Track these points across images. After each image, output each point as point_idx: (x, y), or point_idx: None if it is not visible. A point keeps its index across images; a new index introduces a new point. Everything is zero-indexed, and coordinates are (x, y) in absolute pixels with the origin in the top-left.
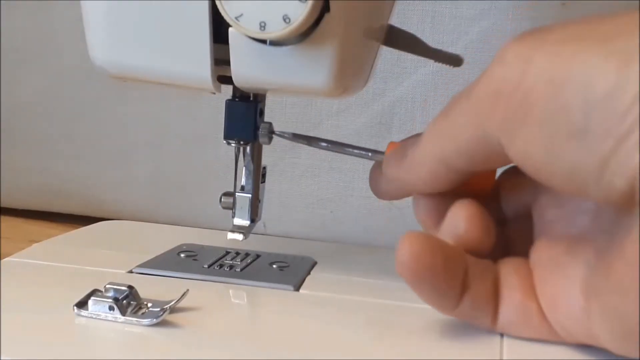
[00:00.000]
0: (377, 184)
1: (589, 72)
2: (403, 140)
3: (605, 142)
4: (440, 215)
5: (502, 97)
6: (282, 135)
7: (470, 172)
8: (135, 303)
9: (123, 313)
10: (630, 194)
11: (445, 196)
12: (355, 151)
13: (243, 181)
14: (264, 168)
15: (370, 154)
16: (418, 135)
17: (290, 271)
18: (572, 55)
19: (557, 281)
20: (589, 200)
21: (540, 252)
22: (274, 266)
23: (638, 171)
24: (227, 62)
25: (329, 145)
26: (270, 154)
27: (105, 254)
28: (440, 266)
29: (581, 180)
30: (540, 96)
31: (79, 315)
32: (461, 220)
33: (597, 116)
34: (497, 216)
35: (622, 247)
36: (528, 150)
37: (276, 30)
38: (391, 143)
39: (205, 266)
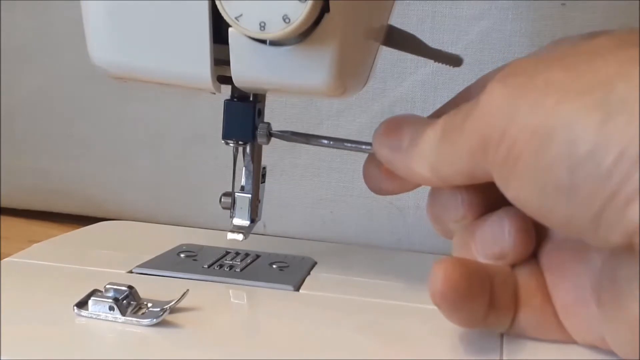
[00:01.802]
0: (372, 180)
1: (571, 128)
2: (398, 121)
3: (594, 201)
4: (483, 209)
5: (490, 146)
6: (280, 136)
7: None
8: (135, 303)
9: (123, 313)
10: (628, 244)
11: (488, 189)
12: (354, 146)
13: (243, 181)
14: (264, 168)
15: (368, 148)
16: (414, 121)
17: (290, 271)
18: (555, 108)
19: (568, 288)
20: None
21: (548, 256)
22: (274, 266)
23: (632, 226)
24: (227, 62)
25: (328, 142)
26: (270, 154)
27: (105, 254)
28: (475, 291)
29: (578, 231)
30: (524, 150)
31: (79, 315)
32: (510, 234)
33: (582, 175)
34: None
35: (630, 285)
36: (521, 198)
37: (276, 30)
38: (379, 132)
39: (205, 266)
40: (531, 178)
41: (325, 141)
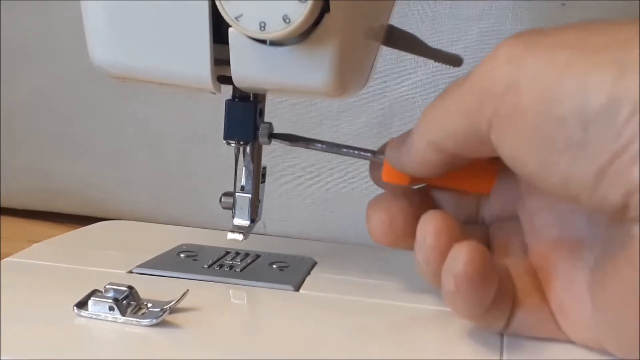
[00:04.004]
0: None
1: (584, 83)
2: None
3: (601, 155)
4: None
5: (492, 97)
6: (281, 137)
7: (462, 157)
8: (135, 303)
9: (123, 313)
10: (623, 207)
11: (408, 208)
12: (356, 152)
13: (243, 181)
14: (264, 168)
15: (369, 155)
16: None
17: (290, 271)
18: (566, 64)
19: (563, 288)
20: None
21: (542, 257)
22: (274, 266)
23: (633, 185)
24: (227, 62)
25: (327, 147)
26: (270, 154)
27: (105, 254)
28: (491, 277)
29: (575, 190)
30: (532, 104)
31: (79, 315)
32: (428, 235)
33: (594, 130)
34: (478, 217)
35: (615, 264)
36: (519, 156)
37: (276, 30)
38: (391, 140)
39: (205, 266)
40: (536, 134)
41: (325, 146)
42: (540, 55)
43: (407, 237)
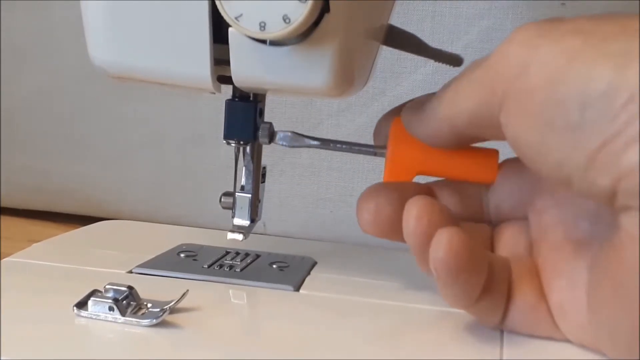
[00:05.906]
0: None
1: (588, 69)
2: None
3: (595, 139)
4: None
5: (505, 79)
6: (282, 143)
7: (472, 135)
8: (135, 303)
9: (123, 313)
10: (612, 194)
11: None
12: (361, 149)
13: (243, 181)
14: (264, 168)
15: (371, 150)
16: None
17: (290, 271)
18: (576, 51)
19: (564, 289)
20: (573, 192)
21: (544, 256)
22: (274, 266)
23: (623, 170)
24: (227, 62)
25: (328, 145)
26: (270, 154)
27: (105, 254)
28: (475, 266)
29: (568, 173)
30: (539, 86)
31: (79, 315)
32: (411, 219)
33: (592, 113)
34: (486, 216)
35: (607, 261)
36: (522, 135)
37: (276, 30)
38: (410, 102)
39: (205, 266)
40: (539, 114)
41: (325, 144)
42: (554, 40)
43: (396, 228)
